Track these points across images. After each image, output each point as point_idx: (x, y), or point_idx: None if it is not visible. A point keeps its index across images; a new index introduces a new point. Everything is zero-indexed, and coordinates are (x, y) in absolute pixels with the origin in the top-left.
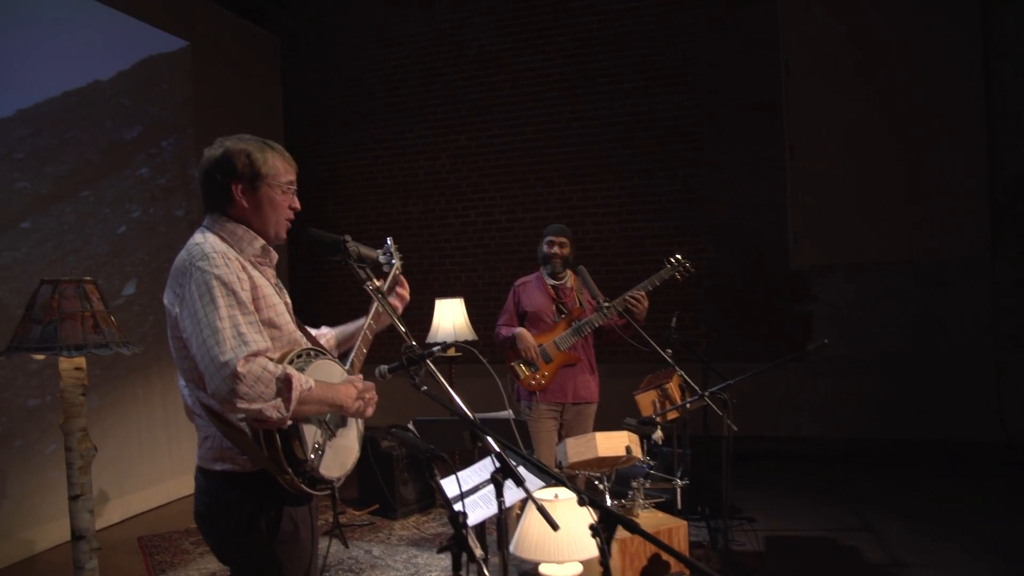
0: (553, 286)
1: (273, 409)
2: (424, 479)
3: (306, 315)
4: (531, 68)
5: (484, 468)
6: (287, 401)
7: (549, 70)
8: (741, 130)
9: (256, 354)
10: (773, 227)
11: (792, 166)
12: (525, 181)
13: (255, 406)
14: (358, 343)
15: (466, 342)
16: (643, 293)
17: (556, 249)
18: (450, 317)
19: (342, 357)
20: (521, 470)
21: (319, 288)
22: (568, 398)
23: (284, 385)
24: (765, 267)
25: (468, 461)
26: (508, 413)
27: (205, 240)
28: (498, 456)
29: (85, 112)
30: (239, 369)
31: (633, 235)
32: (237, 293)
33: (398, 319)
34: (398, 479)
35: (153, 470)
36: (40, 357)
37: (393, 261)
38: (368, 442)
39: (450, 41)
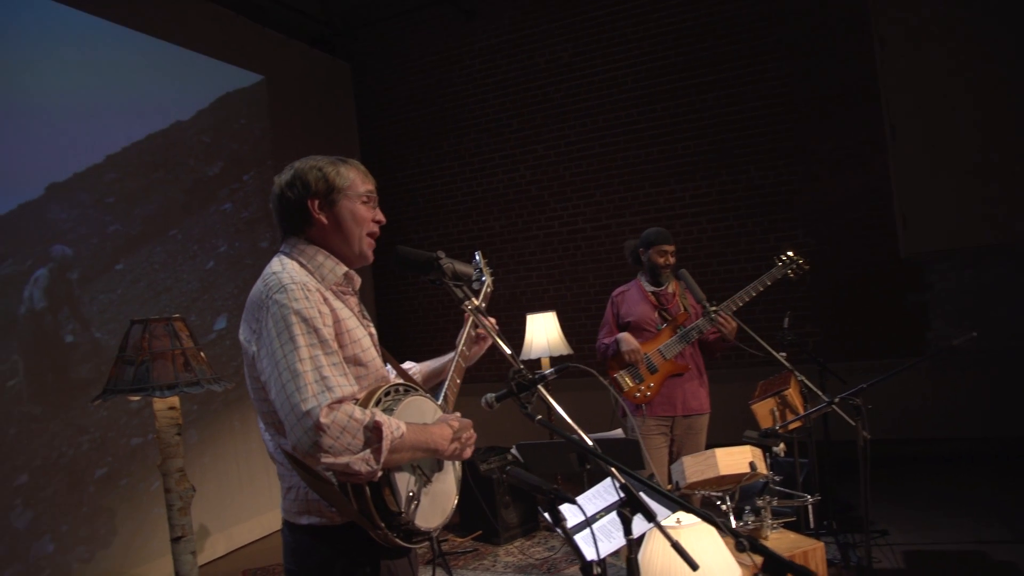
0: (654, 292)
1: (362, 462)
2: (527, 502)
3: (393, 343)
4: (605, 71)
5: (601, 494)
6: (377, 452)
7: (624, 71)
8: (835, 113)
9: (341, 400)
10: (878, 214)
11: (894, 147)
12: (608, 187)
13: (342, 460)
14: (451, 373)
15: (561, 356)
16: (726, 317)
17: (670, 258)
18: (543, 332)
19: (433, 390)
20: (644, 498)
21: (406, 311)
22: (678, 411)
23: (373, 434)
24: (872, 257)
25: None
26: (619, 432)
27: (283, 269)
28: (624, 488)
29: (169, 153)
30: (322, 420)
31: (726, 234)
32: (319, 330)
33: (503, 342)
34: (500, 503)
35: (254, 502)
36: (135, 398)
37: (484, 278)
38: (466, 465)
39: (520, 51)
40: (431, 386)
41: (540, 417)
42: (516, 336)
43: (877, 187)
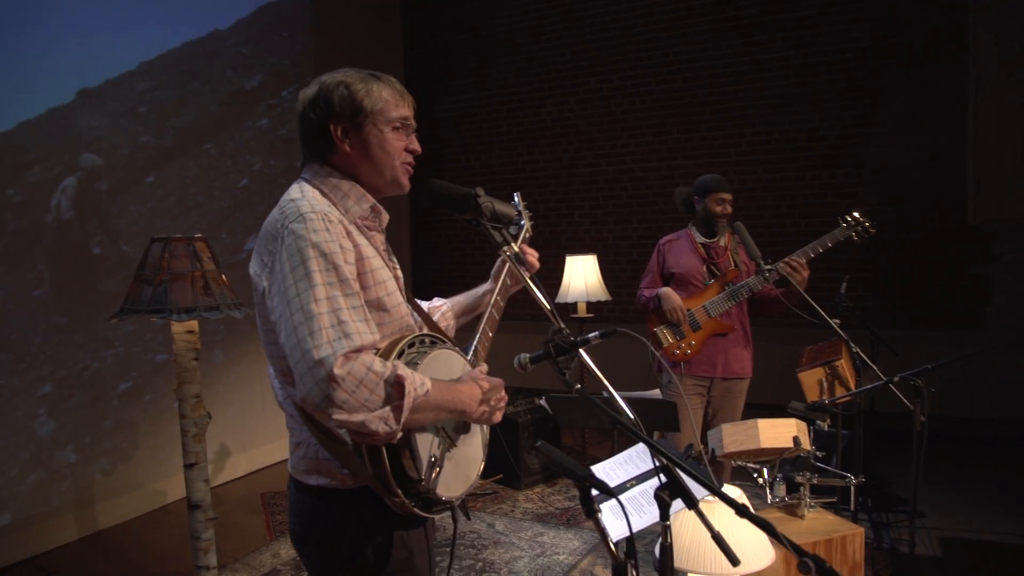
0: (704, 244)
1: (380, 421)
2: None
3: (428, 278)
4: (667, 1)
5: (632, 460)
6: (397, 410)
7: (687, 3)
8: (916, 63)
9: (359, 350)
10: (950, 176)
11: (978, 105)
12: (662, 127)
13: (356, 417)
14: (483, 325)
15: (599, 302)
16: (803, 261)
17: (727, 207)
18: (582, 275)
19: (462, 342)
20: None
21: (442, 243)
22: (718, 372)
23: (394, 390)
24: (938, 223)
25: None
26: (656, 393)
27: (303, 196)
28: (664, 469)
29: (205, 63)
30: (336, 371)
31: (782, 186)
32: (339, 267)
33: (544, 296)
34: (523, 447)
35: (276, 426)
36: (152, 319)
37: (523, 222)
38: None
39: None
40: (463, 323)
41: (579, 387)
42: (553, 276)
43: (951, 147)
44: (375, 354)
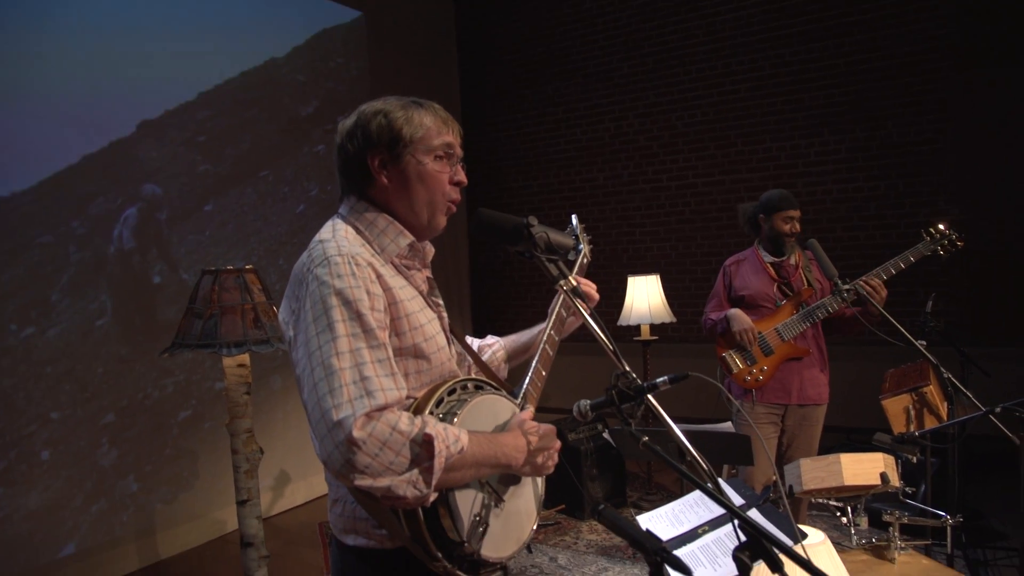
0: (773, 264)
1: (408, 485)
2: (615, 475)
3: (492, 312)
4: (728, 10)
5: (702, 501)
6: (427, 472)
7: (750, 10)
8: (1001, 60)
9: (383, 408)
10: None
11: None
12: (725, 139)
13: (382, 482)
14: (535, 364)
15: (663, 324)
16: (878, 283)
17: (796, 226)
18: (644, 296)
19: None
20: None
21: (503, 272)
22: (792, 399)
23: (423, 449)
24: None
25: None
26: (729, 425)
27: (333, 235)
28: (745, 527)
29: (262, 91)
30: (356, 433)
31: (855, 197)
32: (363, 316)
33: (606, 335)
34: (586, 474)
35: None
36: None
37: (580, 247)
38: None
39: None
40: (519, 362)
41: (647, 439)
42: (615, 298)
43: None
44: (410, 404)
